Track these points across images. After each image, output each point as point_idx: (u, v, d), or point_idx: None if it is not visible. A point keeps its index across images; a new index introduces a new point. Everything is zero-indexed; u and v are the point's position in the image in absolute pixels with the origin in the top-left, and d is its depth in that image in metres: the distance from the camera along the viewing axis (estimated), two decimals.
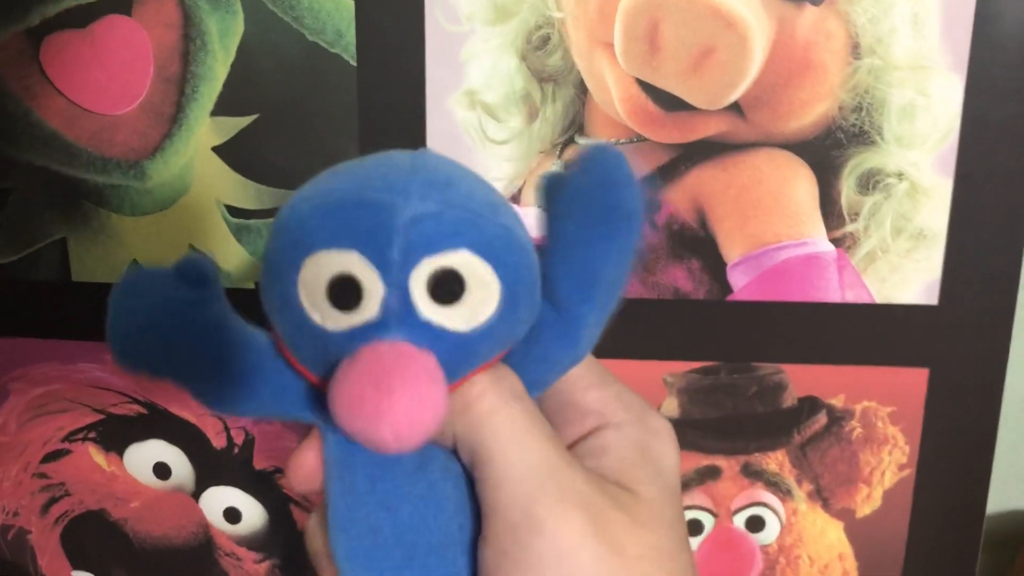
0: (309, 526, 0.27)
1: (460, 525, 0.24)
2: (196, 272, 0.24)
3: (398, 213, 0.22)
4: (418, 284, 0.22)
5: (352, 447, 0.24)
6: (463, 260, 0.22)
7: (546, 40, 0.45)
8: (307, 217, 0.23)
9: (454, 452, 0.25)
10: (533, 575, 0.22)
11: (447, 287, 0.22)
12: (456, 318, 0.22)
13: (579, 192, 0.24)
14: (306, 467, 0.25)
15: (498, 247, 0.22)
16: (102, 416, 0.52)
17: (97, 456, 0.53)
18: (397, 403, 0.21)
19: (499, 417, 0.23)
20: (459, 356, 0.23)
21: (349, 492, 0.24)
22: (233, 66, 0.46)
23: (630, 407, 0.26)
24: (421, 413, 0.21)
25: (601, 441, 0.25)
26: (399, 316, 0.22)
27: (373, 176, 0.23)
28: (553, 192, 0.24)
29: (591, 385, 0.26)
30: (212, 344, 0.24)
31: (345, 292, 0.22)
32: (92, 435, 0.53)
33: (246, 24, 0.46)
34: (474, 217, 0.22)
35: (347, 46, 0.46)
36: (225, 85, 0.47)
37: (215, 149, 0.48)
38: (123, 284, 0.24)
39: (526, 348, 0.25)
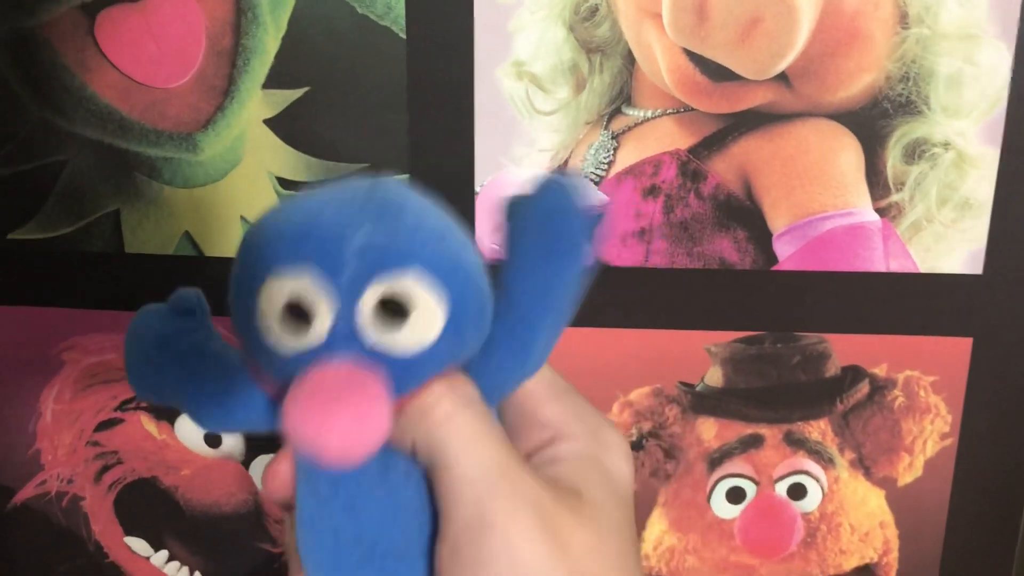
0: (286, 523, 0.28)
1: (419, 528, 0.25)
2: (185, 305, 0.27)
3: (348, 240, 0.23)
4: (366, 307, 0.23)
5: None
6: (409, 284, 0.23)
7: (594, 11, 0.46)
8: (264, 245, 0.24)
9: (415, 458, 0.26)
10: (484, 572, 0.23)
11: (392, 312, 0.23)
12: (401, 341, 0.23)
13: (541, 213, 0.25)
14: (280, 477, 0.26)
15: (444, 273, 0.24)
16: None
17: (149, 425, 0.54)
18: (339, 421, 0.22)
19: (454, 422, 0.24)
20: (405, 376, 0.24)
21: (313, 495, 0.25)
22: (284, 39, 0.47)
23: (585, 421, 0.27)
24: (362, 431, 0.22)
25: (553, 452, 0.26)
26: (346, 340, 0.23)
27: (328, 204, 0.24)
28: (515, 213, 0.26)
29: (549, 399, 0.27)
30: (195, 366, 0.26)
31: (296, 317, 0.23)
32: (144, 404, 0.54)
33: None
34: (421, 245, 0.24)
35: (396, 19, 0.46)
36: (276, 58, 0.47)
37: (266, 122, 0.48)
38: (132, 323, 0.27)
39: (483, 359, 0.26)
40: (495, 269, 0.26)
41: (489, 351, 0.26)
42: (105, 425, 0.55)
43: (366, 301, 0.23)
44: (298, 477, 0.26)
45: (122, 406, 0.54)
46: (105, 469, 0.56)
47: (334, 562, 0.25)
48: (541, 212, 0.26)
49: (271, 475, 0.26)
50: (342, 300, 0.23)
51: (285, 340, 0.23)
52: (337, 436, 0.22)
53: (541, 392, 0.27)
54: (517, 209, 0.26)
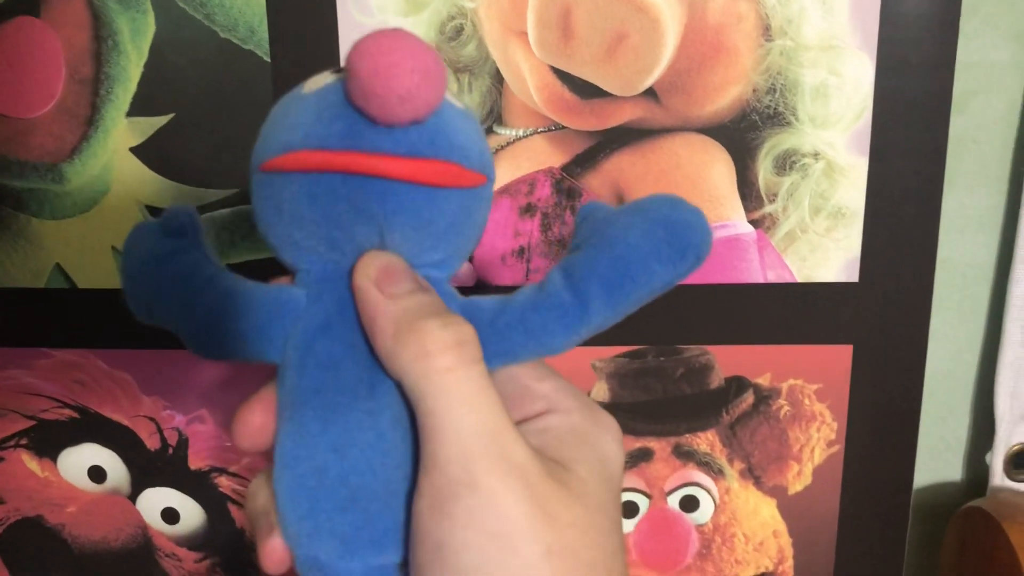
0: (252, 485, 0.27)
1: (405, 475, 0.25)
2: (176, 223, 0.26)
3: None
4: None
5: (307, 390, 0.25)
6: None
7: (459, 31, 0.45)
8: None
9: (405, 404, 0.25)
10: (464, 530, 0.22)
11: None
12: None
13: (654, 217, 0.25)
14: (253, 424, 0.26)
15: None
16: (33, 422, 0.52)
17: (30, 462, 0.53)
18: (409, 57, 0.22)
19: (454, 376, 0.24)
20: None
21: (299, 432, 0.25)
22: (146, 66, 0.46)
23: (578, 399, 0.28)
24: (437, 76, 0.23)
25: (545, 423, 0.26)
26: None
27: None
28: (600, 212, 0.26)
29: (544, 377, 0.27)
30: (190, 288, 0.25)
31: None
32: (24, 441, 0.52)
33: (157, 23, 0.45)
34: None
35: (260, 42, 0.45)
36: (140, 85, 0.46)
37: (133, 150, 0.47)
38: (126, 241, 0.27)
39: (522, 314, 0.25)
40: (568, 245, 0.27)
41: (534, 307, 0.25)
42: None
43: None
44: (283, 414, 0.25)
45: (1, 444, 0.53)
46: None
47: (314, 504, 0.24)
48: (656, 215, 0.25)
49: (242, 423, 0.26)
50: None
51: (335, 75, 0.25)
52: (407, 71, 0.22)
53: (535, 369, 0.27)
54: (599, 209, 0.26)
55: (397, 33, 0.23)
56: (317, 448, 0.24)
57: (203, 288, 0.25)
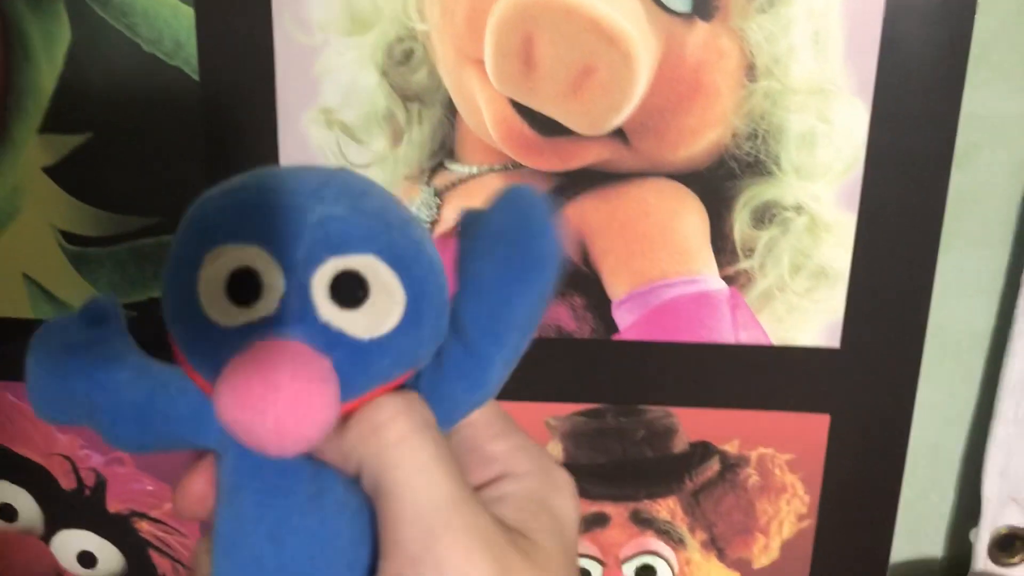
0: (195, 551, 0.26)
1: (349, 564, 0.23)
2: (96, 312, 0.24)
3: (307, 213, 0.21)
4: (320, 284, 0.21)
5: (245, 472, 0.23)
6: (369, 264, 0.22)
7: (409, 54, 0.41)
8: (213, 213, 0.22)
9: (354, 485, 0.23)
10: None
11: (349, 289, 0.22)
12: (356, 324, 0.22)
13: (495, 233, 0.24)
14: (194, 493, 0.24)
15: (407, 258, 0.22)
16: None
17: None
18: (283, 398, 0.20)
19: (408, 444, 0.22)
20: (357, 367, 0.22)
21: (237, 518, 0.23)
22: (61, 78, 0.41)
23: (533, 459, 0.26)
24: (307, 412, 0.21)
25: (501, 490, 0.25)
26: (297, 314, 0.21)
27: (286, 179, 0.22)
28: (470, 229, 0.24)
29: (496, 435, 0.26)
30: (108, 377, 0.23)
31: (244, 286, 0.21)
32: None
33: (73, 32, 0.41)
34: (385, 226, 0.22)
35: (188, 58, 0.41)
36: (53, 99, 0.42)
37: (46, 170, 0.43)
38: (35, 335, 0.24)
39: (432, 384, 0.24)
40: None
41: (437, 376, 0.24)
42: None
43: (323, 274, 0.21)
44: (221, 497, 0.23)
45: None
46: None
47: None
48: (497, 228, 0.24)
49: (184, 491, 0.24)
50: (295, 272, 0.21)
51: (229, 313, 0.21)
52: (278, 416, 0.20)
53: (486, 426, 0.26)
54: (471, 225, 0.24)
55: (263, 365, 0.20)
56: (255, 535, 0.23)
57: (127, 374, 0.23)
